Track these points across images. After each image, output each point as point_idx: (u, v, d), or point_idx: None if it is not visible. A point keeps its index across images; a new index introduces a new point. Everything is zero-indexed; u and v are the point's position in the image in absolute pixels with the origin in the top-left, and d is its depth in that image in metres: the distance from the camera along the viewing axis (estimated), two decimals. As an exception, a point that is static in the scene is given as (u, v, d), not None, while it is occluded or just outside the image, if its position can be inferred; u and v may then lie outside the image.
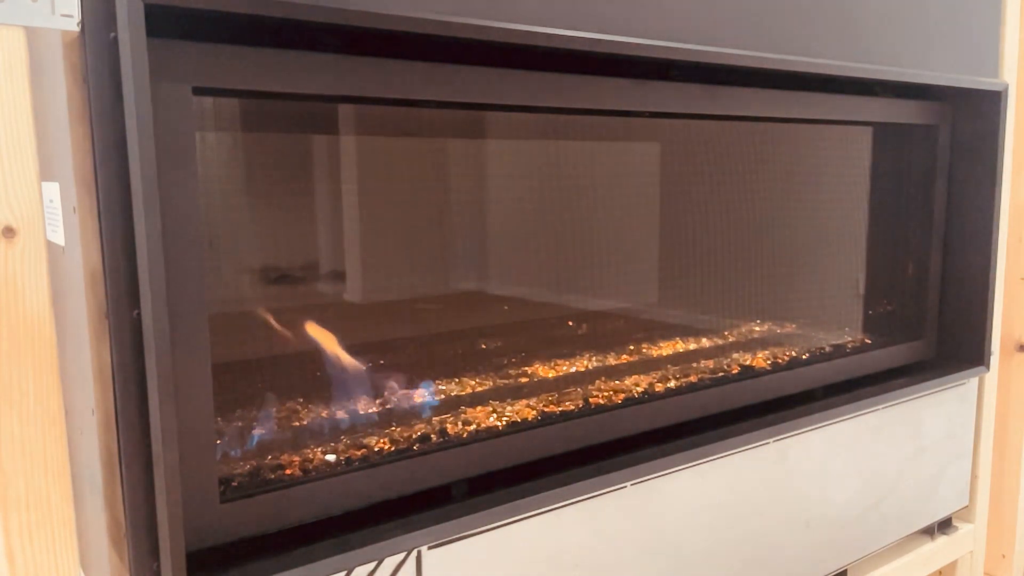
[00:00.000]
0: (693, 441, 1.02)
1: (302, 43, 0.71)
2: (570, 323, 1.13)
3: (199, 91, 0.67)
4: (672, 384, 1.09)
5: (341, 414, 0.90)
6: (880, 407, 1.26)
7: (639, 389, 1.06)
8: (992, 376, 1.46)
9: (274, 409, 0.89)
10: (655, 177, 1.25)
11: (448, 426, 0.91)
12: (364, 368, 0.94)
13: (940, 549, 1.43)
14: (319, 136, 0.95)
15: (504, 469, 0.89)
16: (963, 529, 1.48)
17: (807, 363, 1.21)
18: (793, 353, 1.24)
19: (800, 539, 1.19)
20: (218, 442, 0.80)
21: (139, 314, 0.64)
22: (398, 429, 0.89)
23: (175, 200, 0.66)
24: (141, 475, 0.66)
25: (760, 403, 1.14)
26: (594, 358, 1.12)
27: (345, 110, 0.95)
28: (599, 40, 0.84)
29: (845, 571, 1.28)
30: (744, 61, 0.97)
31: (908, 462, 1.34)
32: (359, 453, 0.84)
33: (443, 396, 0.96)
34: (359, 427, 0.89)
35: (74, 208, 0.65)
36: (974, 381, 1.43)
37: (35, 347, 0.64)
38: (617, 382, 1.08)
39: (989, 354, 1.38)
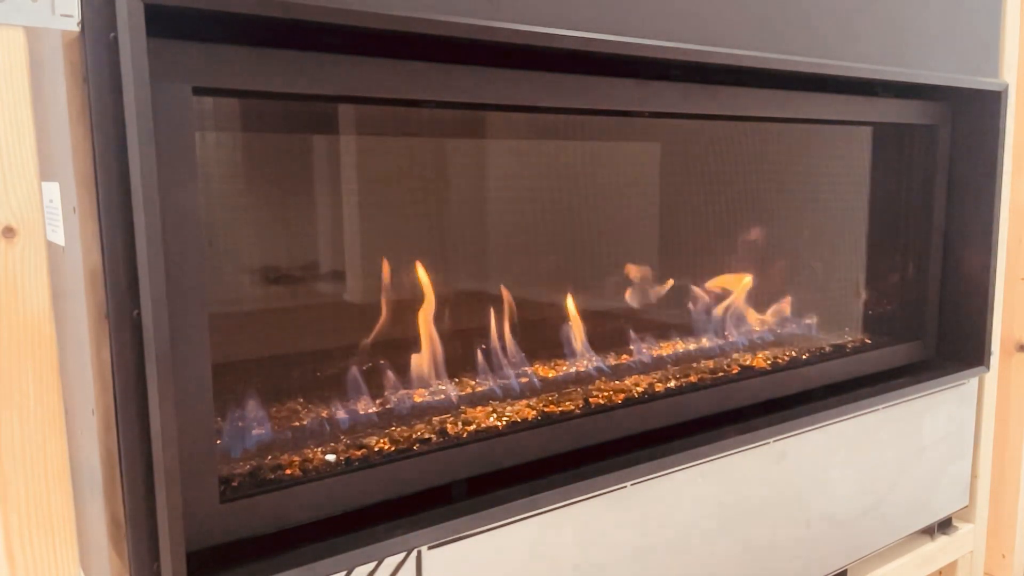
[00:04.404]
0: (693, 441, 1.02)
1: (302, 43, 0.71)
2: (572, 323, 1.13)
3: (199, 91, 0.67)
4: (672, 384, 1.09)
5: (341, 413, 0.90)
6: (880, 407, 1.26)
7: (639, 389, 1.06)
8: (992, 376, 1.46)
9: (274, 408, 0.89)
10: (655, 177, 1.25)
11: (448, 426, 0.91)
12: (363, 369, 0.94)
13: (940, 549, 1.43)
14: (319, 136, 0.95)
15: (504, 469, 0.89)
16: (963, 529, 1.48)
17: (807, 363, 1.21)
18: (793, 353, 1.24)
19: (800, 539, 1.19)
20: (218, 442, 0.80)
21: (139, 314, 0.64)
22: (398, 429, 0.89)
23: (175, 200, 0.66)
24: (141, 475, 0.66)
25: (760, 403, 1.14)
26: (596, 358, 1.12)
27: (345, 110, 0.95)
28: (599, 40, 0.84)
29: (845, 571, 1.28)
30: (744, 61, 0.97)
31: (908, 462, 1.34)
32: (359, 453, 0.84)
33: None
34: (359, 426, 0.89)
35: (74, 208, 0.65)
36: (974, 381, 1.43)
37: (35, 347, 0.64)
38: (617, 382, 1.08)
39: (989, 354, 1.38)
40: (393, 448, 0.85)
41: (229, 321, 0.88)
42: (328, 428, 0.88)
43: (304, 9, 0.66)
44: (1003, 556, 1.56)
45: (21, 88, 0.61)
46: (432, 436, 0.88)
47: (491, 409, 0.96)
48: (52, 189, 0.69)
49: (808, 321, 1.32)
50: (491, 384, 1.00)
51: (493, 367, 1.02)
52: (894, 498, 1.32)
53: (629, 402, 1.01)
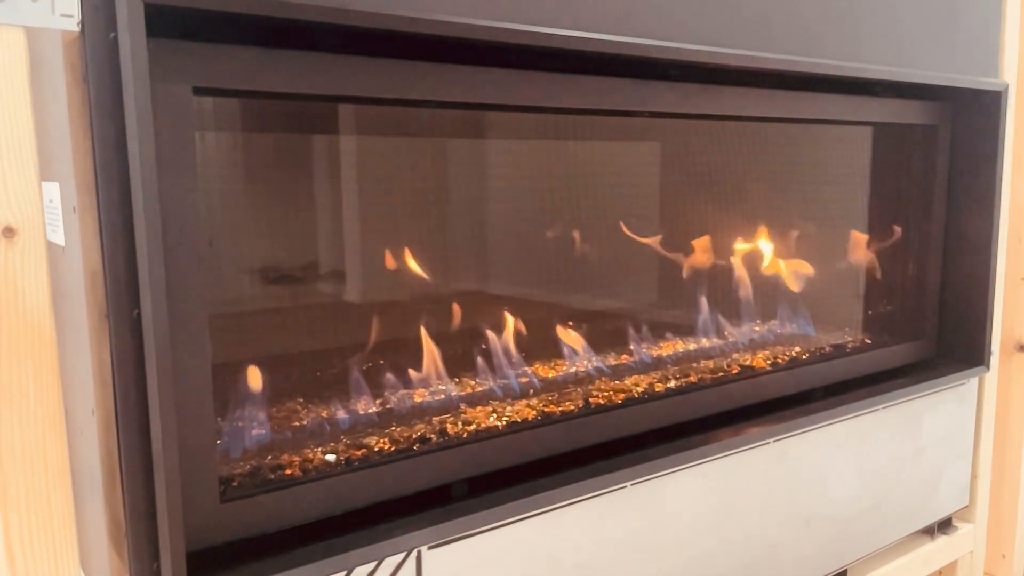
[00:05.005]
0: (693, 441, 1.02)
1: (302, 43, 0.71)
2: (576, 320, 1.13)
3: (199, 91, 0.67)
4: (672, 384, 1.09)
5: (341, 413, 0.90)
6: (880, 407, 1.26)
7: (639, 389, 1.06)
8: (992, 376, 1.46)
9: (274, 408, 0.89)
10: (655, 177, 1.25)
11: (448, 426, 0.91)
12: (364, 369, 0.94)
13: (940, 549, 1.43)
14: (319, 136, 0.95)
15: (504, 469, 0.89)
16: (963, 529, 1.48)
17: (807, 363, 1.21)
18: (793, 353, 1.24)
19: (800, 539, 1.19)
20: (218, 442, 0.80)
21: (139, 314, 0.64)
22: (398, 429, 0.89)
23: (175, 200, 0.66)
24: (141, 475, 0.66)
25: (760, 403, 1.14)
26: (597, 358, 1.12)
27: (345, 110, 0.95)
28: (599, 40, 0.84)
29: (845, 571, 1.28)
30: (744, 61, 0.97)
31: (908, 462, 1.34)
32: (359, 453, 0.84)
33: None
34: (359, 426, 0.89)
35: (74, 208, 0.65)
36: (974, 381, 1.43)
37: (35, 347, 0.64)
38: (617, 382, 1.08)
39: (989, 354, 1.38)
40: (393, 448, 0.85)
41: (229, 321, 0.88)
42: (328, 428, 0.88)
43: (304, 9, 0.66)
44: (1003, 556, 1.56)
45: (21, 88, 0.61)
46: (432, 436, 0.88)
47: (491, 409, 0.96)
48: (52, 189, 0.69)
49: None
50: (491, 384, 1.00)
51: (493, 367, 1.02)
52: (894, 498, 1.32)
53: (629, 402, 1.01)
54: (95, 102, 0.62)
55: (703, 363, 1.18)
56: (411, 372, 0.96)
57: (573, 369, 1.08)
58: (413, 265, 1.00)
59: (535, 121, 1.10)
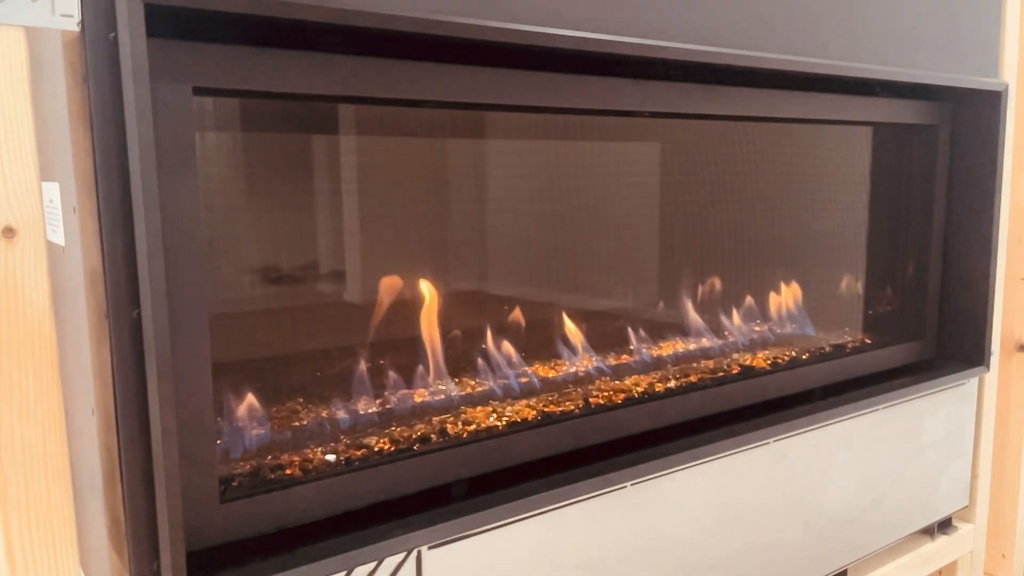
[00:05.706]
0: (693, 441, 1.02)
1: (302, 43, 0.71)
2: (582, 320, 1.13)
3: (199, 91, 0.67)
4: (672, 384, 1.09)
5: (341, 413, 0.90)
6: (880, 407, 1.26)
7: (639, 389, 1.06)
8: (992, 376, 1.47)
9: (274, 408, 0.89)
10: (655, 177, 1.25)
11: (448, 426, 0.91)
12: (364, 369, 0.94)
13: (940, 549, 1.43)
14: (319, 136, 0.95)
15: (504, 469, 0.89)
16: (963, 529, 1.48)
17: (807, 363, 1.21)
18: (793, 353, 1.24)
19: (800, 539, 1.19)
20: (218, 442, 0.80)
21: (139, 314, 0.64)
22: (398, 428, 0.89)
23: (175, 200, 0.66)
24: (141, 475, 0.66)
25: (760, 403, 1.14)
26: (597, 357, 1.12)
27: (345, 110, 0.95)
28: (599, 40, 0.84)
29: (845, 571, 1.28)
30: (744, 61, 0.97)
31: (908, 462, 1.34)
32: (359, 453, 0.84)
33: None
34: (359, 426, 0.89)
35: (74, 208, 0.65)
36: (974, 381, 1.43)
37: (35, 347, 0.64)
38: (617, 382, 1.08)
39: (989, 354, 1.38)
40: (393, 448, 0.85)
41: (229, 321, 0.88)
42: (328, 428, 0.88)
43: (304, 9, 0.66)
44: (1003, 556, 1.56)
45: (21, 88, 0.61)
46: (432, 436, 0.88)
47: (491, 409, 0.96)
48: (52, 189, 0.69)
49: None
50: (491, 384, 1.00)
51: (493, 367, 1.02)
52: (894, 498, 1.32)
53: (629, 402, 1.01)
54: (95, 102, 0.62)
55: (703, 363, 1.18)
56: (411, 372, 0.96)
57: (573, 369, 1.08)
58: (413, 265, 1.00)
59: (535, 121, 1.10)
